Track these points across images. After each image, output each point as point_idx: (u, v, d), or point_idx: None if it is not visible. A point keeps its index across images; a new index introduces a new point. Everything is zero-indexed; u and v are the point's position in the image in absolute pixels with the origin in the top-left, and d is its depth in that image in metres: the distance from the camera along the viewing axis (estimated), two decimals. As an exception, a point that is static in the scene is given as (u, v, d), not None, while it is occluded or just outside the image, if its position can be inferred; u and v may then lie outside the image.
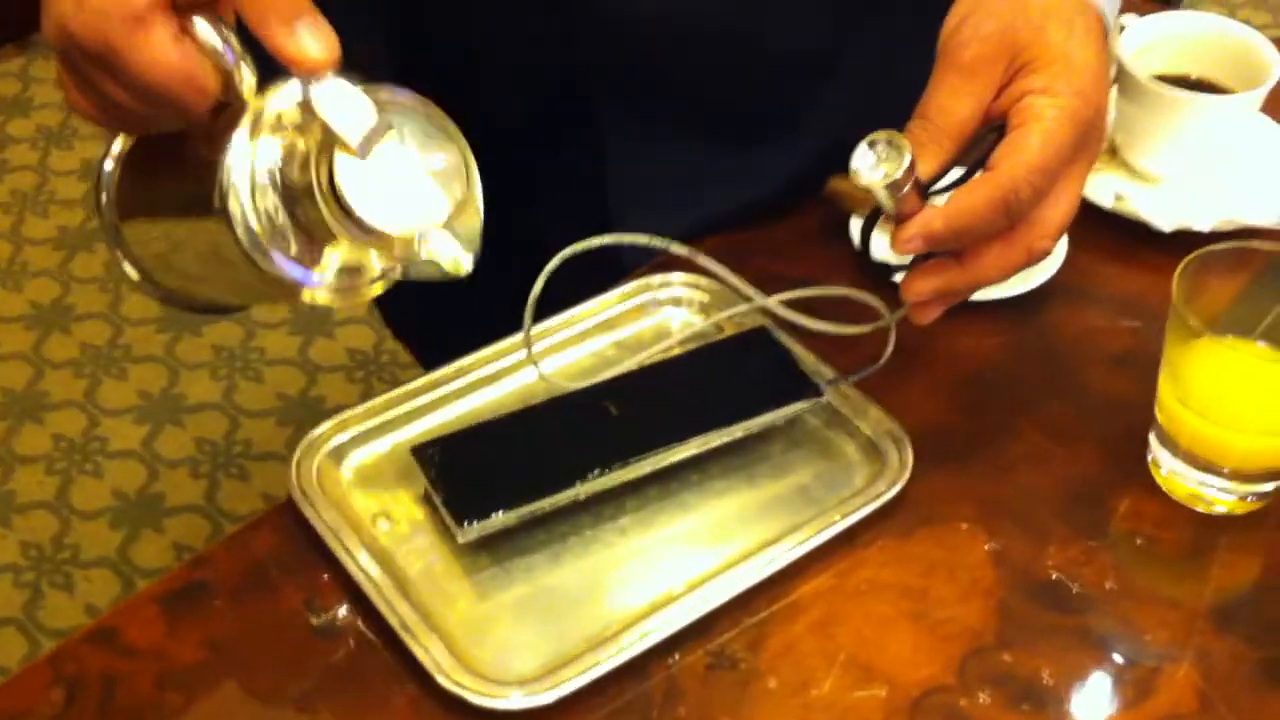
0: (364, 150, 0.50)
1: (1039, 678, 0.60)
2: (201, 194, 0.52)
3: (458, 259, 0.54)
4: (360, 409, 0.69)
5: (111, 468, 1.74)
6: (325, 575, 0.63)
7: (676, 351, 0.72)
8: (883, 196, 0.60)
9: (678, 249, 0.69)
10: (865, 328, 0.68)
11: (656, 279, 0.76)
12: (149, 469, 1.73)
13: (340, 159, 0.50)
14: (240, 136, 0.51)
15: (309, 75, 0.50)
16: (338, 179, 0.50)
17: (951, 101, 0.61)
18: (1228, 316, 0.67)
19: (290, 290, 0.53)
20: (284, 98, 0.52)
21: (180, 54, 0.51)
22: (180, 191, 0.55)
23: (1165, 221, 0.79)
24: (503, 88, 0.81)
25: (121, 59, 0.51)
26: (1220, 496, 0.67)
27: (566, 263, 0.67)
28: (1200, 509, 0.67)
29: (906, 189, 0.59)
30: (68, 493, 1.70)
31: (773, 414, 0.68)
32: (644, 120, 0.80)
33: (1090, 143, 0.62)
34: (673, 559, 0.65)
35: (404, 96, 0.52)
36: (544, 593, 0.63)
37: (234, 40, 0.51)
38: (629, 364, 0.71)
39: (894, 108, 0.63)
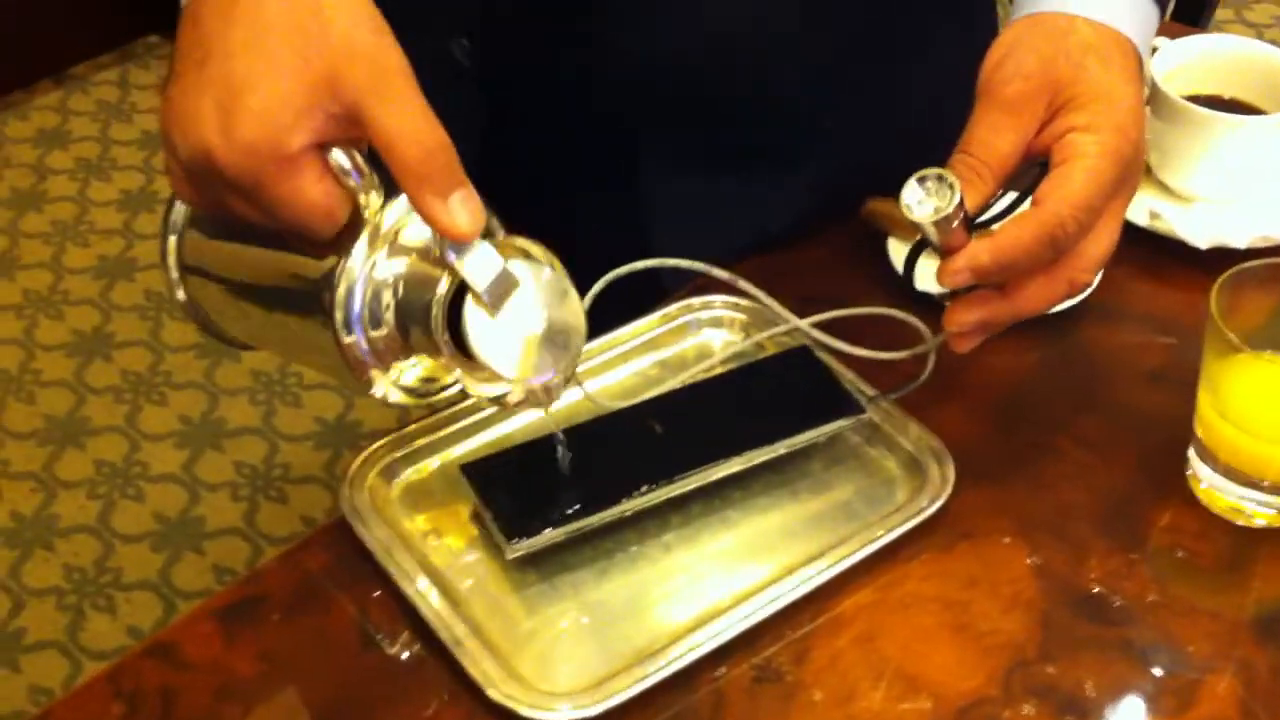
0: (495, 305, 0.54)
1: (1082, 689, 0.61)
2: (304, 288, 0.56)
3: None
4: (410, 428, 0.70)
5: (153, 492, 1.76)
6: (378, 591, 0.65)
7: (718, 371, 0.74)
8: (931, 231, 0.61)
9: (719, 273, 0.71)
10: (906, 353, 0.70)
11: (698, 300, 0.77)
12: (190, 492, 1.76)
13: (470, 308, 0.54)
14: (360, 248, 0.55)
15: (455, 243, 0.53)
16: (467, 327, 0.54)
17: (994, 137, 0.62)
18: (1265, 331, 0.67)
19: (367, 383, 0.57)
20: (400, 210, 0.55)
21: (323, 192, 0.53)
22: (276, 275, 0.58)
23: (1201, 239, 0.80)
24: (538, 123, 0.83)
25: (266, 195, 0.52)
26: (1260, 510, 0.67)
27: (605, 288, 0.69)
28: (1240, 522, 0.68)
29: (955, 224, 0.61)
30: (109, 517, 1.73)
31: (815, 431, 0.69)
32: (677, 151, 0.81)
33: (1130, 177, 0.64)
34: (717, 574, 0.66)
35: (524, 242, 0.56)
36: (591, 608, 0.64)
37: (365, 166, 0.54)
38: (672, 383, 0.72)
39: (918, 129, 0.64)
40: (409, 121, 0.52)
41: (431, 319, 0.55)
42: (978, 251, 0.61)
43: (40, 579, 1.66)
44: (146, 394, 1.88)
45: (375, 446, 0.69)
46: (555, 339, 0.57)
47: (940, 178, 0.60)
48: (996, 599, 0.64)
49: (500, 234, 0.59)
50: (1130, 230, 0.81)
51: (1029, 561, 0.66)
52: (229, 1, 0.53)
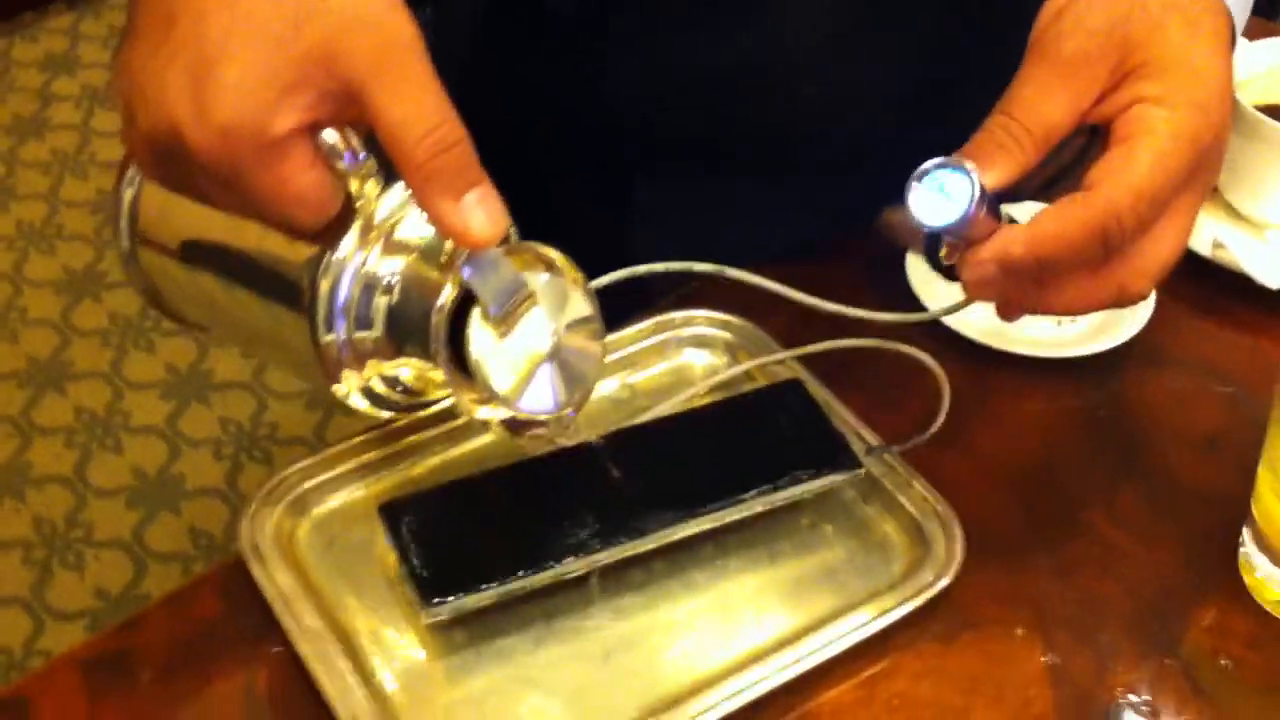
0: (505, 323, 0.48)
1: (1095, 829, 0.51)
2: (281, 275, 0.49)
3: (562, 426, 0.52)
4: (328, 453, 0.60)
5: (133, 444, 1.68)
6: (274, 649, 0.55)
7: (697, 401, 0.63)
8: (952, 233, 0.50)
9: (702, 268, 0.60)
10: (913, 316, 0.58)
11: (679, 315, 0.67)
12: (171, 447, 1.67)
13: (475, 323, 0.48)
14: (349, 239, 0.48)
15: (471, 249, 0.47)
16: (470, 345, 0.48)
17: (1041, 99, 0.51)
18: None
19: (329, 380, 0.50)
20: (398, 199, 0.49)
21: (312, 182, 0.45)
22: (248, 256, 0.51)
23: (1270, 276, 0.69)
24: (514, 112, 0.73)
25: (246, 183, 0.44)
26: (1323, 613, 0.57)
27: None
28: (1298, 626, 0.57)
29: (982, 214, 0.49)
30: (85, 468, 1.64)
31: (801, 487, 0.58)
32: (680, 162, 0.70)
33: (1208, 167, 0.52)
34: (674, 652, 0.56)
35: (544, 250, 0.50)
36: (522, 684, 0.55)
37: (360, 148, 0.46)
38: (641, 417, 0.62)
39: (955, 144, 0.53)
40: (417, 106, 0.44)
41: (431, 330, 0.48)
42: (1009, 241, 0.50)
43: (9, 530, 1.58)
44: (134, 339, 1.80)
45: (287, 472, 0.60)
46: (569, 366, 0.50)
47: (952, 167, 0.49)
48: (1002, 708, 0.54)
49: (514, 235, 0.51)
50: (1188, 260, 0.70)
51: (1044, 661, 0.56)
52: None
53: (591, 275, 0.60)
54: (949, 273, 0.53)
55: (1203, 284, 0.70)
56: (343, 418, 1.67)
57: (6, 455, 1.66)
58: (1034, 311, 0.54)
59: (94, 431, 1.69)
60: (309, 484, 0.60)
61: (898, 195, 0.71)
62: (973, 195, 0.48)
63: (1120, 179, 0.49)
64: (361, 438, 0.61)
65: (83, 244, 1.93)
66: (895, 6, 0.67)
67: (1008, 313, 0.54)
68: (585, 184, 0.74)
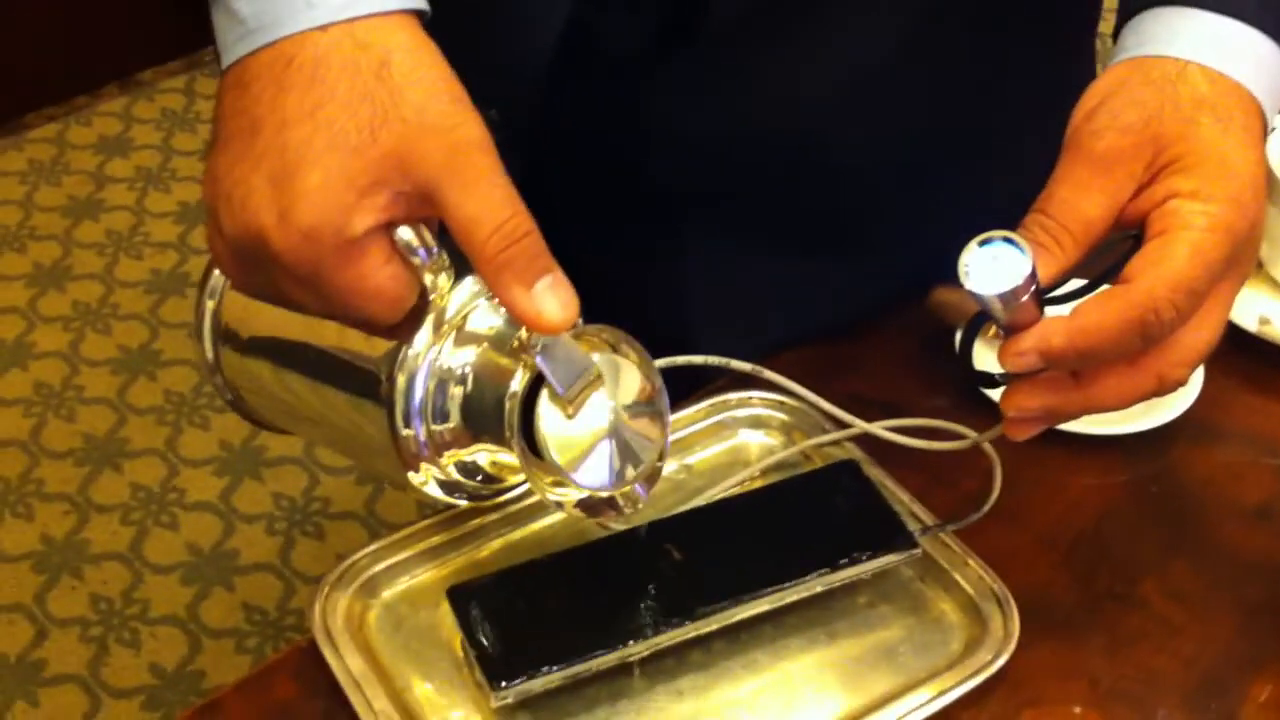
0: (574, 405, 0.50)
1: None
2: (359, 372, 0.51)
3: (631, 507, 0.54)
4: (396, 536, 0.62)
5: (188, 520, 1.70)
6: (346, 731, 0.57)
7: (754, 483, 0.65)
8: (995, 307, 0.52)
9: (739, 366, 0.62)
10: (953, 444, 0.61)
11: (735, 397, 0.68)
12: (225, 523, 1.69)
13: (545, 406, 0.50)
14: (424, 333, 0.50)
15: (542, 334, 0.48)
16: (540, 427, 0.49)
17: (1079, 198, 0.52)
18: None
19: (407, 470, 0.52)
20: (469, 293, 0.51)
21: (389, 277, 0.48)
22: (326, 356, 0.53)
23: (1318, 349, 0.70)
24: (577, 189, 0.75)
25: (327, 283, 0.47)
26: (1381, 688, 0.57)
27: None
28: (1356, 701, 0.58)
29: (1024, 298, 0.51)
30: (141, 545, 1.67)
31: (859, 567, 0.60)
32: (730, 231, 0.72)
33: (1243, 259, 0.53)
34: (736, 731, 0.57)
35: (611, 333, 0.52)
36: (589, 764, 0.56)
37: (433, 244, 0.49)
38: (697, 500, 0.63)
39: (1000, 223, 0.55)
40: (487, 202, 0.47)
41: (505, 416, 0.50)
42: (1050, 332, 0.51)
43: (67, 608, 1.60)
44: (189, 416, 1.83)
45: (356, 557, 0.61)
46: (633, 443, 0.52)
47: (1009, 241, 0.50)
48: (1062, 785, 0.55)
49: (579, 321, 0.52)
50: (1236, 335, 0.71)
51: (1103, 738, 0.56)
52: (283, 62, 0.47)
53: (649, 342, 0.61)
54: (984, 381, 0.55)
55: (1250, 358, 0.71)
56: (394, 492, 1.70)
57: (64, 533, 1.69)
58: (1076, 415, 0.55)
59: (150, 508, 1.71)
60: (378, 567, 0.61)
61: (942, 281, 0.73)
62: (1025, 269, 0.50)
63: (1158, 272, 0.50)
64: (428, 521, 0.63)
65: (138, 323, 1.96)
66: (927, 51, 0.69)
67: (1033, 428, 0.55)
68: (644, 268, 0.76)
